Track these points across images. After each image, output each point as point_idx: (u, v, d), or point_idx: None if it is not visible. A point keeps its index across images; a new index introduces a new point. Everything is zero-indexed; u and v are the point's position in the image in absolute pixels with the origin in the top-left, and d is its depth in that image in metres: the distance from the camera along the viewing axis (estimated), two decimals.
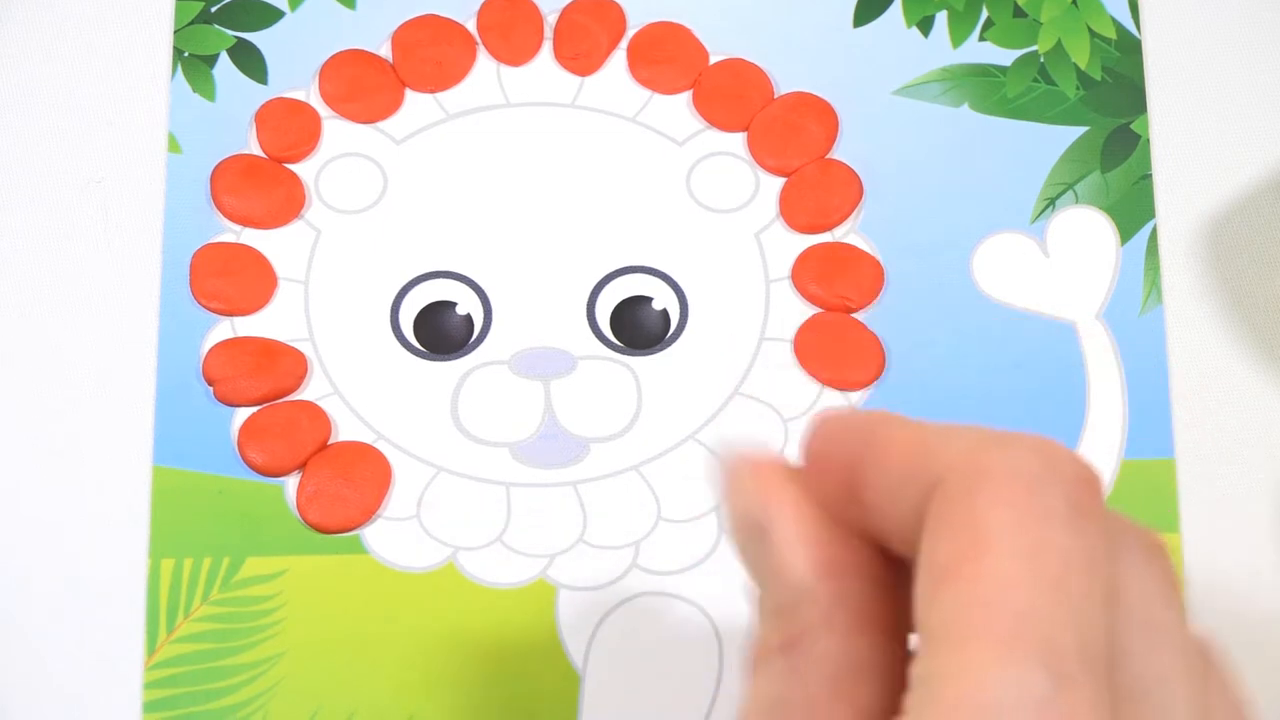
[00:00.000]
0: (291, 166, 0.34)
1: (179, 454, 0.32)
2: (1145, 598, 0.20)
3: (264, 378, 0.32)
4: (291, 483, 0.32)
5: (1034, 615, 0.17)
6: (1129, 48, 0.35)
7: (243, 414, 0.32)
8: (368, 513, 0.32)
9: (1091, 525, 0.19)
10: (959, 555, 0.18)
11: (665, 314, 0.33)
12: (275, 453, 0.32)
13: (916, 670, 0.18)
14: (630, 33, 0.35)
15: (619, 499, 0.32)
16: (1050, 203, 0.34)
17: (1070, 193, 0.34)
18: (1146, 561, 0.20)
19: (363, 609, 0.31)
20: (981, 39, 0.35)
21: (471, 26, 0.34)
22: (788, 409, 0.33)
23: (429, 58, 0.34)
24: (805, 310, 0.33)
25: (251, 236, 0.33)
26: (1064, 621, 0.18)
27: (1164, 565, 0.21)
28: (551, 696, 0.31)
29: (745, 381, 0.33)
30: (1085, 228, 0.34)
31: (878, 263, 0.33)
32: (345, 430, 0.32)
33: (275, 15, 0.34)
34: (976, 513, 0.18)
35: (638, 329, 0.33)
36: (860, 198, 0.34)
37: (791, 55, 0.35)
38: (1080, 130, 0.34)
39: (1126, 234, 0.34)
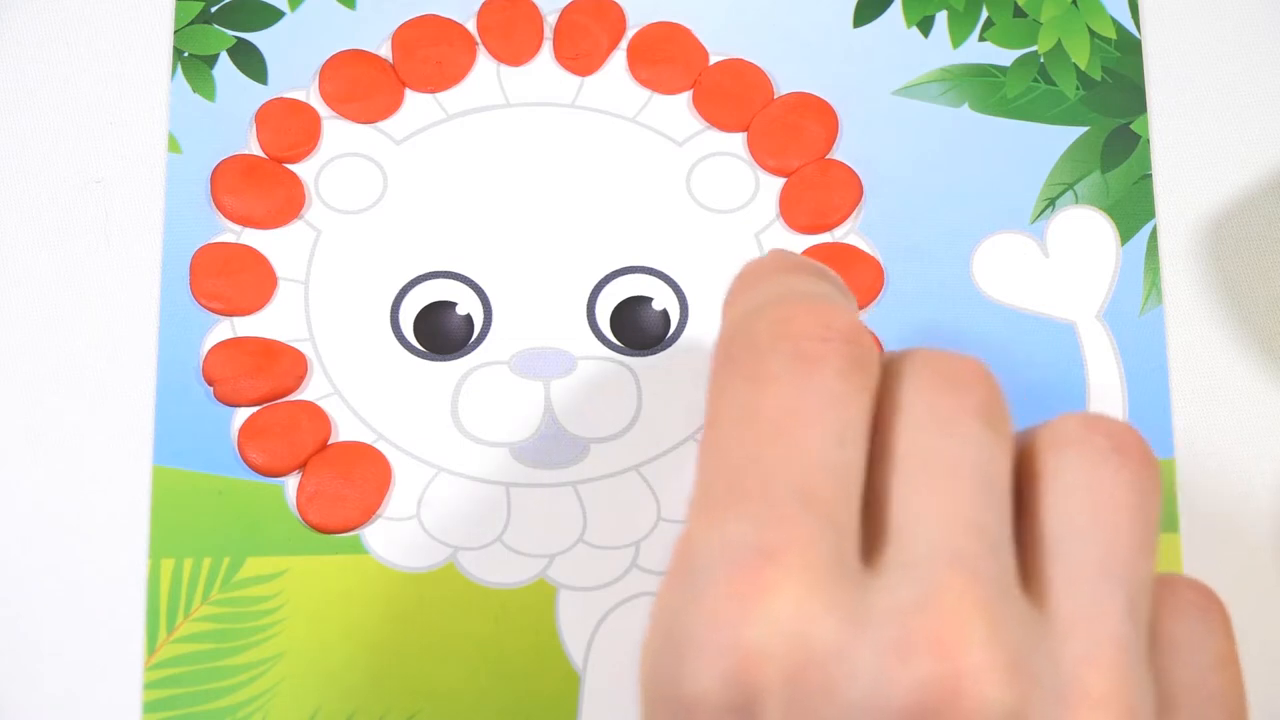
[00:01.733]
0: (291, 166, 0.34)
1: (179, 454, 0.32)
2: (1196, 656, 0.20)
3: (264, 378, 0.32)
4: (291, 483, 0.32)
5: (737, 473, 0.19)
6: (1129, 48, 0.35)
7: (243, 414, 0.32)
8: (368, 513, 0.32)
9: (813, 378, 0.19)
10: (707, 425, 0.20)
11: (665, 314, 0.33)
12: (275, 453, 0.32)
13: None
14: (630, 33, 0.35)
15: (619, 499, 0.32)
16: (1050, 203, 0.34)
17: (1070, 193, 0.34)
18: (1202, 619, 0.20)
19: (363, 609, 0.31)
20: (981, 39, 0.35)
21: (471, 26, 0.35)
22: None
23: (429, 58, 0.34)
24: None
25: (251, 236, 0.33)
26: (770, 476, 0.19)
27: (1218, 623, 0.21)
28: (551, 696, 0.31)
29: None
30: (1085, 228, 0.34)
31: (878, 263, 0.33)
32: (345, 430, 0.32)
33: (275, 15, 0.34)
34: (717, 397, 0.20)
35: (638, 329, 0.33)
36: (860, 198, 0.34)
37: (791, 55, 0.35)
38: (1080, 130, 0.34)
39: (1126, 234, 0.34)
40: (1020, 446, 0.21)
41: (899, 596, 0.18)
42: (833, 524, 0.18)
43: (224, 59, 0.34)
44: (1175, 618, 0.21)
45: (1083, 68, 0.35)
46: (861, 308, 0.33)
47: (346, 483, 0.32)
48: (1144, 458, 0.20)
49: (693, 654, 0.18)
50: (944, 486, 0.19)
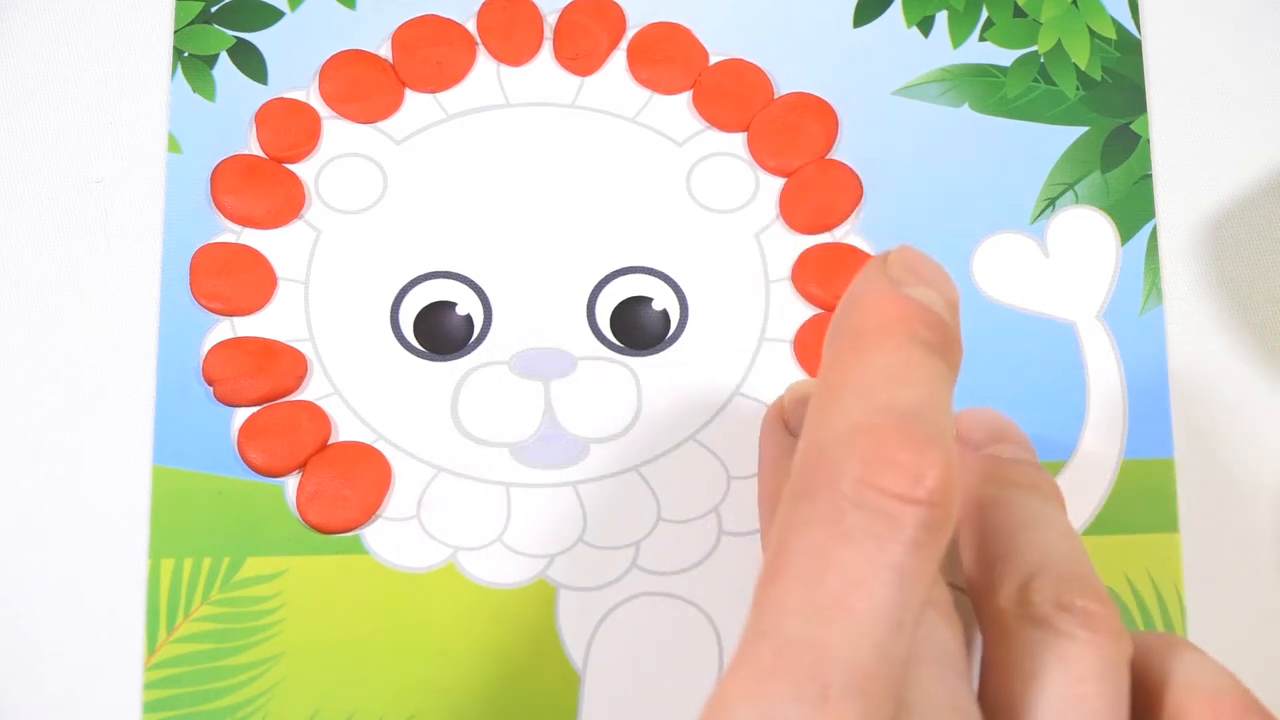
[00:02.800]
0: (291, 166, 0.34)
1: (179, 454, 0.32)
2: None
3: (264, 378, 0.32)
4: (291, 483, 0.32)
5: (798, 645, 0.18)
6: (1129, 48, 0.35)
7: (243, 414, 0.32)
8: (368, 513, 0.32)
9: (895, 545, 0.18)
10: (765, 573, 0.19)
11: (665, 314, 0.33)
12: (275, 453, 0.32)
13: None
14: (630, 33, 0.35)
15: (619, 499, 0.32)
16: (1050, 203, 0.34)
17: (1070, 193, 0.34)
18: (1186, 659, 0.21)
19: (363, 609, 0.31)
20: (981, 39, 0.35)
21: (471, 26, 0.35)
22: None
23: (429, 58, 0.34)
24: (805, 311, 0.33)
25: (251, 236, 0.33)
26: (837, 650, 0.18)
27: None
28: (551, 696, 0.31)
29: (745, 382, 0.33)
30: (1085, 228, 0.34)
31: None
32: (345, 430, 0.32)
33: (275, 15, 0.34)
34: (787, 538, 0.19)
35: (638, 329, 0.33)
36: (860, 198, 0.34)
37: (791, 55, 0.35)
38: (1080, 130, 0.34)
39: (1126, 234, 0.34)
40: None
41: None
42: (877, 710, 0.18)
43: (224, 59, 0.34)
44: None
45: (1083, 68, 0.35)
46: None
47: (346, 483, 0.32)
48: None
49: None
50: None
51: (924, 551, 0.18)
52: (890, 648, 0.18)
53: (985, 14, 0.35)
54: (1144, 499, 0.32)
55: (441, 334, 0.33)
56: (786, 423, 0.27)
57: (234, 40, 0.34)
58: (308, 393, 0.32)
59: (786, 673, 0.18)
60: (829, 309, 0.33)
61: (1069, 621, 0.20)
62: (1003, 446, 0.25)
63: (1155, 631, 0.22)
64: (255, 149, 0.34)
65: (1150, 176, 0.34)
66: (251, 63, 0.34)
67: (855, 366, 0.20)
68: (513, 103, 0.34)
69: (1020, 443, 0.25)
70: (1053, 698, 0.20)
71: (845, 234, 0.34)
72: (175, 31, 0.34)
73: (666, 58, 0.34)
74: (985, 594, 0.22)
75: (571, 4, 0.35)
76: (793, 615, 0.18)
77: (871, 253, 0.33)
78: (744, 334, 0.33)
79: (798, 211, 0.34)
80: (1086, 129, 0.34)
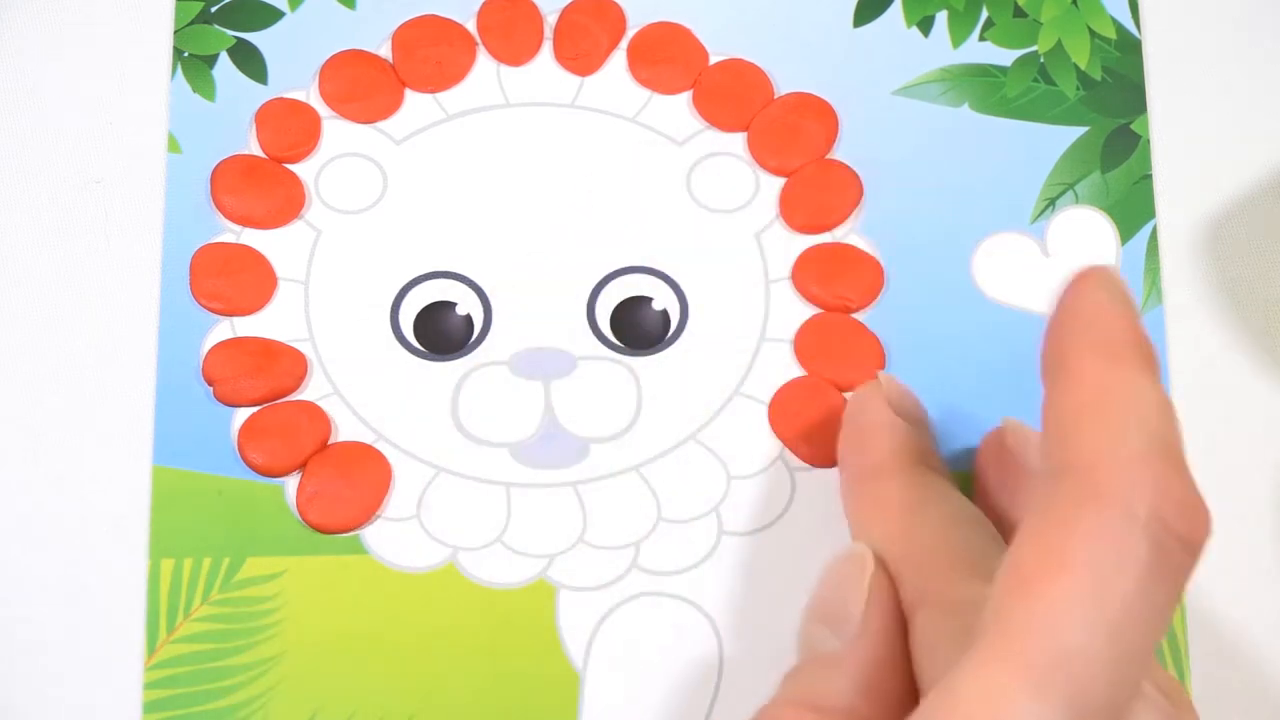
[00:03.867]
0: (291, 166, 0.34)
1: (179, 454, 0.32)
2: None
3: (264, 378, 0.32)
4: (291, 483, 0.32)
5: (1079, 657, 0.17)
6: (1129, 48, 0.35)
7: (243, 414, 0.32)
8: (368, 513, 0.32)
9: (1165, 584, 0.18)
10: (1036, 572, 0.18)
11: (665, 314, 0.33)
12: (275, 453, 0.32)
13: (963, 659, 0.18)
14: (630, 33, 0.35)
15: (619, 499, 0.32)
16: (1050, 203, 0.34)
17: (1070, 193, 0.34)
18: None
19: (363, 609, 0.31)
20: (981, 39, 0.35)
21: (471, 26, 0.35)
22: None
23: (429, 58, 0.34)
24: (805, 311, 0.33)
25: (251, 236, 0.33)
26: (1103, 673, 0.17)
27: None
28: (551, 696, 0.31)
29: (745, 381, 0.33)
30: (1085, 228, 0.34)
31: (878, 263, 0.33)
32: (345, 430, 0.32)
33: (275, 15, 0.34)
34: (1068, 541, 0.18)
35: (638, 329, 0.33)
36: (860, 198, 0.34)
37: (791, 55, 0.35)
38: (1080, 130, 0.34)
39: (1126, 234, 0.34)
40: None
41: None
42: None
43: (224, 59, 0.34)
44: None
45: (1083, 68, 0.35)
46: (861, 308, 0.33)
47: (346, 483, 0.32)
48: None
49: None
50: None
51: (1180, 593, 0.19)
52: (1139, 680, 0.18)
53: (985, 14, 0.35)
54: None
55: (441, 334, 0.33)
56: (891, 402, 0.28)
57: (234, 40, 0.34)
58: (308, 393, 0.32)
59: (1063, 681, 0.17)
60: (829, 309, 0.33)
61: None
62: None
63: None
64: (255, 149, 0.34)
65: (1150, 176, 0.34)
66: (251, 63, 0.34)
67: (1124, 386, 0.20)
68: (513, 103, 0.34)
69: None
70: None
71: (845, 234, 0.34)
72: (175, 31, 0.34)
73: (666, 58, 0.34)
74: None
75: (571, 4, 0.35)
76: (1076, 626, 0.18)
77: (871, 253, 0.33)
78: (744, 334, 0.33)
79: (798, 211, 0.34)
80: (1086, 129, 0.34)
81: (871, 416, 0.28)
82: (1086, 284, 0.21)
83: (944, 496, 0.26)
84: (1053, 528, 0.19)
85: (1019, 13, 0.35)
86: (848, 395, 0.28)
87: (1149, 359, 0.20)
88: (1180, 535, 0.18)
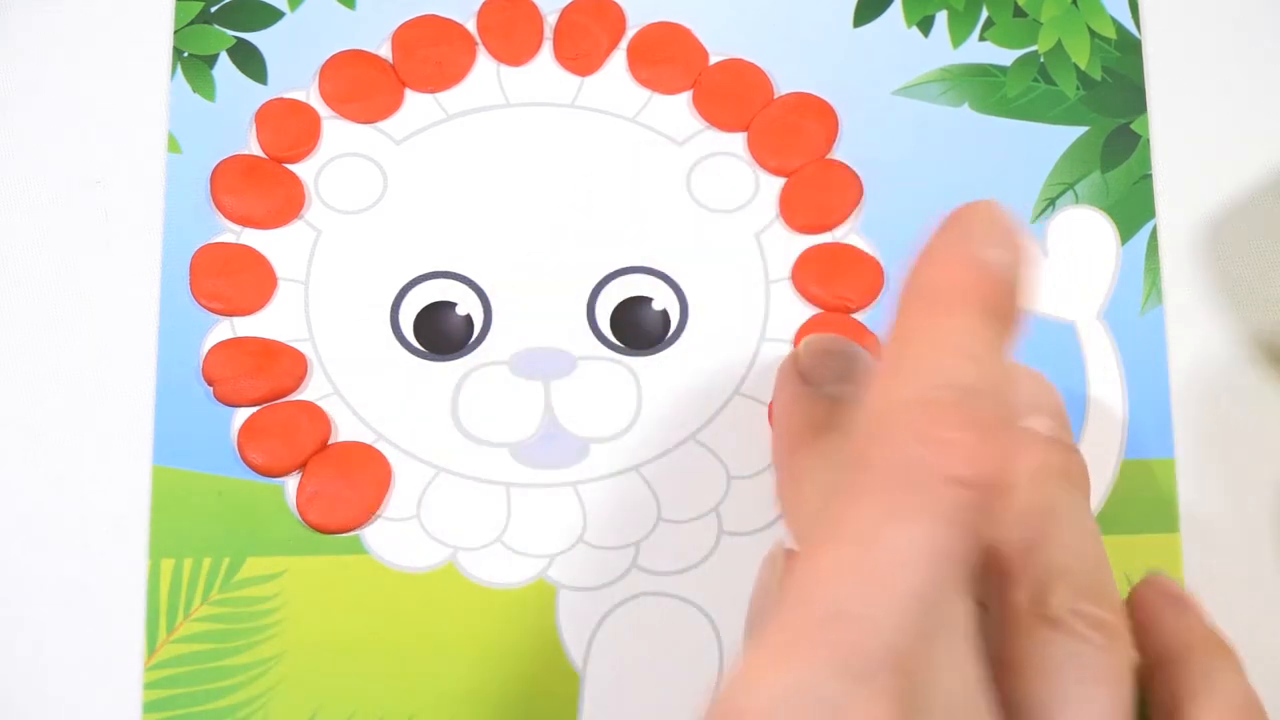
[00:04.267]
0: (291, 166, 0.34)
1: (179, 454, 0.32)
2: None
3: (264, 378, 0.32)
4: (291, 483, 0.32)
5: (845, 617, 0.18)
6: (1129, 48, 0.35)
7: (243, 414, 0.32)
8: (368, 513, 0.32)
9: (943, 526, 0.18)
10: (815, 543, 0.19)
11: (665, 314, 0.33)
12: (275, 453, 0.32)
13: None
14: (630, 33, 0.35)
15: (619, 499, 0.32)
16: (1050, 203, 0.34)
17: (1070, 193, 0.34)
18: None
19: (363, 609, 0.31)
20: (981, 39, 0.35)
21: (471, 26, 0.35)
22: None
23: (429, 58, 0.34)
24: (805, 311, 0.33)
25: (251, 236, 0.33)
26: (881, 627, 0.18)
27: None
28: (551, 696, 0.31)
29: (745, 381, 0.33)
30: (1085, 228, 0.34)
31: (878, 263, 0.33)
32: (345, 430, 0.32)
33: (275, 15, 0.34)
34: (844, 510, 0.19)
35: (638, 329, 0.33)
36: (860, 198, 0.34)
37: (791, 55, 0.35)
38: (1080, 130, 0.34)
39: (1126, 234, 0.34)
40: None
41: None
42: (908, 705, 0.18)
43: (224, 59, 0.34)
44: None
45: (1083, 68, 0.35)
46: (861, 308, 0.33)
47: (346, 483, 0.32)
48: None
49: None
50: None
51: (970, 535, 0.18)
52: (926, 627, 0.18)
53: (985, 14, 0.35)
54: (1144, 499, 0.32)
55: (441, 334, 0.33)
56: (802, 373, 0.26)
57: (234, 40, 0.34)
58: (308, 393, 0.32)
59: (830, 644, 0.17)
60: (829, 309, 0.33)
61: (1084, 626, 0.21)
62: (1038, 420, 0.24)
63: (1205, 635, 0.22)
64: (255, 149, 0.34)
65: (1150, 176, 0.34)
66: (251, 63, 0.34)
67: (922, 332, 0.20)
68: (513, 103, 0.34)
69: (1056, 414, 0.25)
70: (1064, 695, 0.20)
71: (845, 234, 0.34)
72: (175, 31, 0.34)
73: (666, 58, 0.34)
74: (1002, 582, 0.22)
75: (571, 4, 0.35)
76: (843, 587, 0.18)
77: (871, 253, 0.33)
78: (744, 334, 0.33)
79: (798, 211, 0.34)
80: (1086, 129, 0.34)
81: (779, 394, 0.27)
82: (943, 223, 0.21)
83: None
84: (835, 495, 0.19)
85: (1019, 13, 0.35)
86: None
87: (970, 301, 0.20)
88: (957, 476, 0.18)
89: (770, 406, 0.32)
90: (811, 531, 0.19)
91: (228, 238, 0.33)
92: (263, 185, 0.33)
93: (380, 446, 0.32)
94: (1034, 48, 0.35)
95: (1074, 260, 0.34)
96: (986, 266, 0.20)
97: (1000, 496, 0.18)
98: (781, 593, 0.18)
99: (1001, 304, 0.20)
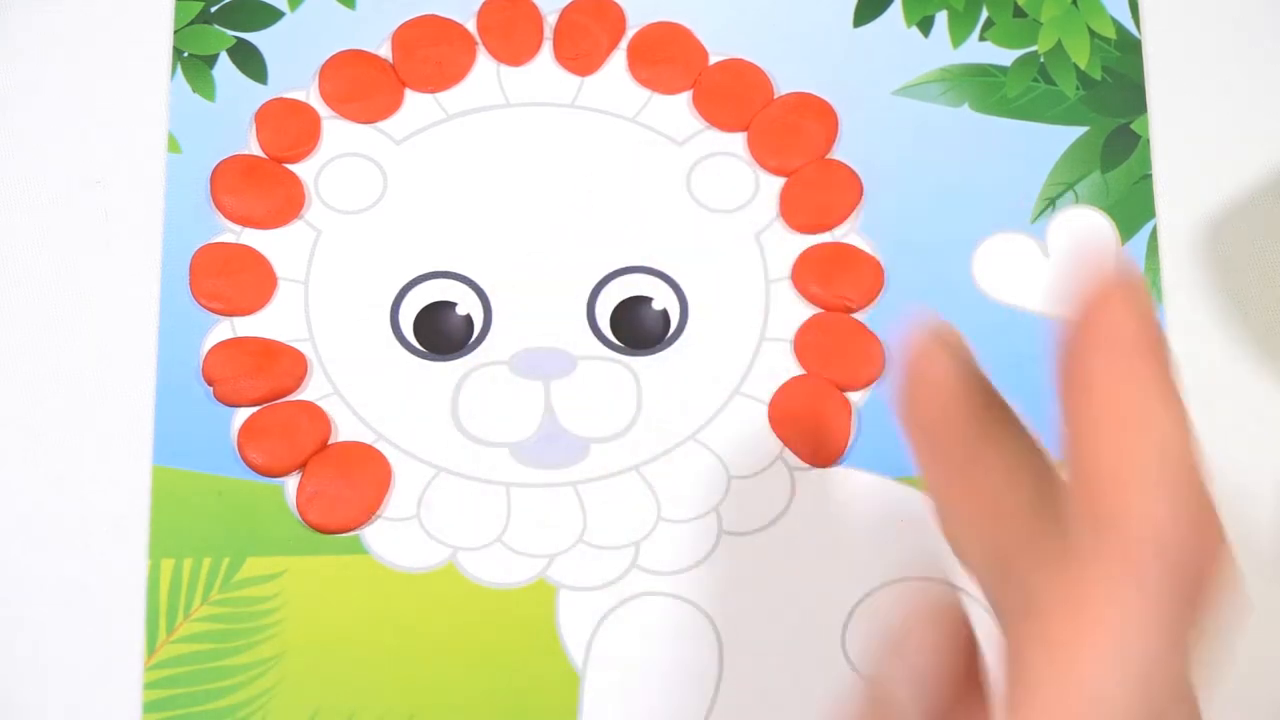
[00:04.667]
0: (291, 166, 0.34)
1: (179, 454, 0.32)
2: None
3: (264, 378, 0.32)
4: (291, 483, 0.32)
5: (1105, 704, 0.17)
6: (1129, 48, 0.35)
7: (243, 414, 0.32)
8: (368, 513, 0.32)
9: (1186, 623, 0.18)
10: (1059, 623, 0.18)
11: (665, 314, 0.33)
12: (275, 453, 0.32)
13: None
14: (630, 33, 0.35)
15: (619, 499, 0.32)
16: (1050, 203, 0.34)
17: (1070, 193, 0.34)
18: None
19: (363, 609, 0.31)
20: (981, 39, 0.35)
21: (471, 26, 0.35)
22: None
23: (429, 58, 0.34)
24: (805, 310, 0.33)
25: (251, 236, 0.33)
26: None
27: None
28: (551, 696, 0.31)
29: (745, 381, 0.33)
30: (1085, 227, 0.34)
31: (878, 263, 0.33)
32: (345, 430, 0.32)
33: (275, 15, 0.34)
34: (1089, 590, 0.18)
35: (638, 329, 0.33)
36: (860, 198, 0.34)
37: (791, 55, 0.35)
38: (1080, 130, 0.34)
39: (1126, 234, 0.34)
40: None
41: None
42: None
43: (224, 59, 0.34)
44: None
45: (1083, 67, 0.35)
46: (861, 307, 0.33)
47: (346, 483, 0.32)
48: None
49: None
50: None
51: (1199, 624, 0.19)
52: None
53: (985, 14, 0.35)
54: None
55: (441, 334, 0.33)
56: (951, 348, 0.23)
57: (234, 40, 0.34)
58: (308, 393, 0.32)
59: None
60: (829, 308, 0.33)
61: None
62: None
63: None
64: (255, 149, 0.34)
65: (1150, 176, 0.34)
66: (251, 63, 0.34)
67: (1128, 380, 0.20)
68: (513, 103, 0.34)
69: None
70: None
71: (845, 234, 0.34)
72: (175, 31, 0.34)
73: (666, 58, 0.34)
74: None
75: (571, 4, 0.35)
76: (1100, 678, 0.17)
77: (871, 253, 0.33)
78: (744, 334, 0.33)
79: (798, 211, 0.34)
80: (1086, 129, 0.34)
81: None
82: (1107, 295, 0.21)
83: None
84: (1074, 571, 0.18)
85: (1019, 13, 0.35)
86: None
87: (1155, 349, 0.20)
88: (1196, 566, 0.18)
89: (770, 405, 0.32)
90: (1038, 600, 0.18)
91: (228, 238, 0.33)
92: (263, 185, 0.33)
93: (380, 446, 0.32)
94: (1034, 48, 0.35)
95: (1074, 260, 0.34)
96: (1154, 318, 0.20)
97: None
98: (1022, 665, 0.18)
99: (1173, 373, 0.20)
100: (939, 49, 0.35)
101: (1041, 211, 0.34)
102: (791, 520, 0.32)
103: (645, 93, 0.34)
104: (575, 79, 0.34)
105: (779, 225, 0.34)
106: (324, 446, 0.32)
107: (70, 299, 0.33)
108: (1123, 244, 0.34)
